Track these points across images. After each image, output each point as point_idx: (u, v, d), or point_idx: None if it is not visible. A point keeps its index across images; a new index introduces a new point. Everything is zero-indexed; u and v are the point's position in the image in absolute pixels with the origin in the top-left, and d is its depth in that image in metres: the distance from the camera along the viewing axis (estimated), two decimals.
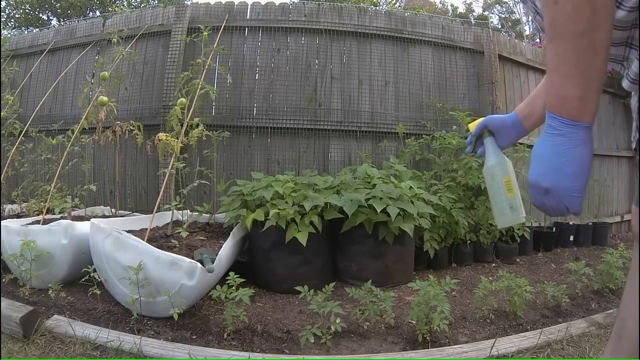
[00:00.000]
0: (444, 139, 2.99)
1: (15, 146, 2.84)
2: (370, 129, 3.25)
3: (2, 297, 1.65)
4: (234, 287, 1.67)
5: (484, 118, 1.00)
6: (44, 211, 2.36)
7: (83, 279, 1.82)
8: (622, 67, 0.73)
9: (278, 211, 2.12)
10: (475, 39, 3.58)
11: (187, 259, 1.69)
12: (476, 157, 2.84)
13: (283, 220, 2.11)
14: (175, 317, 1.62)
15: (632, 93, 0.74)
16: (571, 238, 3.61)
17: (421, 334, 1.61)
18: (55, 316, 1.66)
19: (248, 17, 3.34)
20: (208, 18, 3.32)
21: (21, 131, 2.90)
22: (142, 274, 1.64)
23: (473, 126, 1.02)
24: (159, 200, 2.21)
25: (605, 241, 3.74)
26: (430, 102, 3.33)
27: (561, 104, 0.60)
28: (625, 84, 0.72)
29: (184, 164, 2.30)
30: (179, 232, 2.02)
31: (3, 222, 2.14)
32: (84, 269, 1.79)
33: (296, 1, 3.81)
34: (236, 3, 3.36)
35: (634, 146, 0.78)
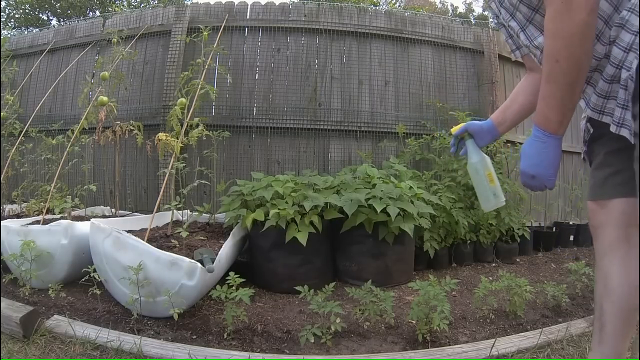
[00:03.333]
0: (444, 138, 2.99)
1: (15, 146, 2.84)
2: (370, 128, 3.25)
3: (2, 297, 1.65)
4: (234, 287, 1.67)
5: (464, 123, 1.22)
6: (44, 211, 2.36)
7: (83, 279, 1.82)
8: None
9: (278, 211, 2.12)
10: (475, 39, 3.58)
11: (187, 259, 1.69)
12: None
13: (283, 220, 2.11)
14: (175, 317, 1.62)
15: (582, 115, 1.02)
16: (571, 238, 3.60)
17: (421, 334, 1.61)
18: (55, 316, 1.66)
19: (248, 17, 3.34)
20: (208, 18, 3.32)
21: (21, 131, 2.90)
22: (142, 274, 1.64)
23: (455, 130, 1.22)
24: (159, 200, 2.21)
25: None
26: (430, 102, 3.33)
27: (545, 123, 0.89)
28: (588, 112, 0.98)
29: (184, 164, 2.30)
30: (179, 232, 2.02)
31: (3, 222, 2.14)
32: (84, 269, 1.79)
33: (296, 1, 3.81)
34: (236, 3, 3.36)
35: (582, 156, 1.08)
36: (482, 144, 1.21)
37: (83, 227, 2.01)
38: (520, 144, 3.22)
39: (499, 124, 1.22)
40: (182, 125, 2.33)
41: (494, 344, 1.53)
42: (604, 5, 0.88)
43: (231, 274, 1.74)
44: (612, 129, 0.90)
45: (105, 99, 2.56)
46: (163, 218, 2.44)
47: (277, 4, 3.39)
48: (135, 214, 2.84)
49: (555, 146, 0.90)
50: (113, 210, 2.83)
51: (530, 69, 1.20)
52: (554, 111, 0.87)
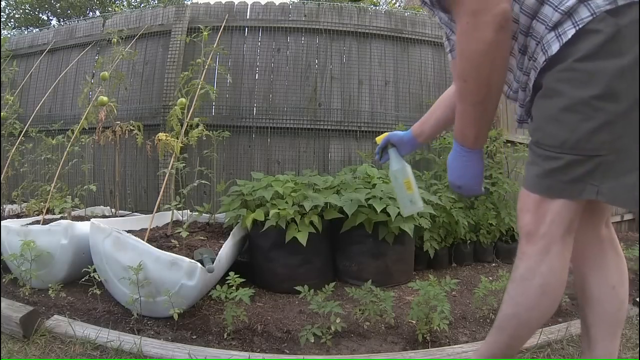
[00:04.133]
0: (444, 138, 2.99)
1: (15, 146, 2.84)
2: (370, 128, 3.24)
3: (2, 297, 1.65)
4: (234, 287, 1.67)
5: (388, 134, 1.29)
6: (44, 211, 2.36)
7: (83, 279, 1.82)
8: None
9: (278, 211, 2.12)
10: None
11: (187, 259, 1.69)
12: None
13: (283, 220, 2.11)
14: (175, 317, 1.62)
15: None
16: None
17: (421, 334, 1.61)
18: (55, 316, 1.66)
19: (248, 17, 3.34)
20: (208, 18, 3.32)
21: (21, 131, 2.90)
22: (142, 274, 1.65)
23: (379, 140, 1.30)
24: (159, 200, 2.21)
25: None
26: (430, 102, 3.30)
27: (462, 139, 0.93)
28: (517, 125, 1.08)
29: (184, 164, 2.30)
30: (179, 232, 2.02)
31: (3, 222, 2.14)
32: (84, 269, 1.79)
33: (296, 1, 3.81)
34: (236, 3, 3.36)
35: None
36: (404, 153, 1.28)
37: (83, 227, 2.01)
38: (521, 143, 3.23)
39: (418, 135, 1.28)
40: (182, 125, 2.33)
41: None
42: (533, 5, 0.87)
43: (231, 274, 1.74)
44: (516, 125, 1.05)
45: (105, 99, 2.56)
46: (163, 218, 2.44)
47: (277, 4, 3.39)
48: (135, 214, 2.84)
49: (475, 159, 0.94)
50: (113, 210, 2.83)
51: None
52: (468, 128, 0.90)
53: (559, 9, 0.83)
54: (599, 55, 0.79)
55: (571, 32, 0.81)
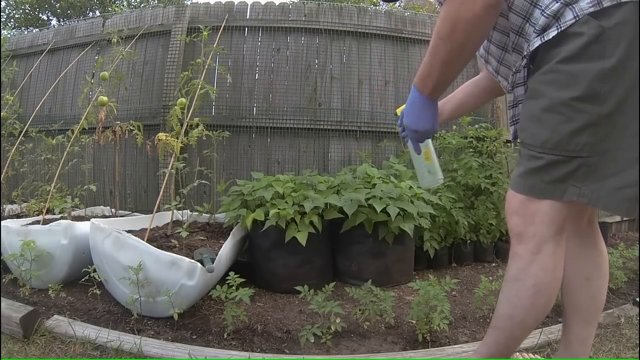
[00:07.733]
0: (444, 138, 2.99)
1: (15, 146, 2.84)
2: (370, 128, 3.24)
3: (2, 297, 1.65)
4: (234, 287, 1.67)
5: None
6: (44, 211, 2.36)
7: (83, 279, 1.82)
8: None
9: (278, 211, 2.12)
10: None
11: (187, 259, 1.69)
12: (476, 157, 2.85)
13: (283, 220, 2.11)
14: (175, 317, 1.62)
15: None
16: None
17: (421, 334, 1.61)
18: (55, 316, 1.66)
19: (248, 17, 3.34)
20: (208, 18, 3.32)
21: (21, 131, 2.90)
22: (142, 274, 1.64)
23: (399, 110, 1.28)
24: (158, 200, 2.20)
25: (606, 241, 3.71)
26: None
27: (422, 86, 0.97)
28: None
29: (184, 164, 2.29)
30: (179, 232, 2.02)
31: (3, 222, 2.14)
32: (84, 269, 1.79)
33: (296, 1, 3.81)
34: (236, 3, 3.36)
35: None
36: None
37: (83, 227, 2.01)
38: None
39: (439, 114, 1.28)
40: (182, 125, 2.33)
41: None
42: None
43: (231, 273, 1.74)
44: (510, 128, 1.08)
45: (105, 99, 2.56)
46: (163, 218, 2.44)
47: (277, 4, 3.39)
48: (135, 214, 2.84)
49: (431, 105, 1.00)
50: (113, 210, 2.82)
51: (481, 68, 1.30)
52: (430, 79, 0.95)
53: (545, 12, 0.84)
54: (580, 57, 0.79)
55: (553, 33, 0.82)
